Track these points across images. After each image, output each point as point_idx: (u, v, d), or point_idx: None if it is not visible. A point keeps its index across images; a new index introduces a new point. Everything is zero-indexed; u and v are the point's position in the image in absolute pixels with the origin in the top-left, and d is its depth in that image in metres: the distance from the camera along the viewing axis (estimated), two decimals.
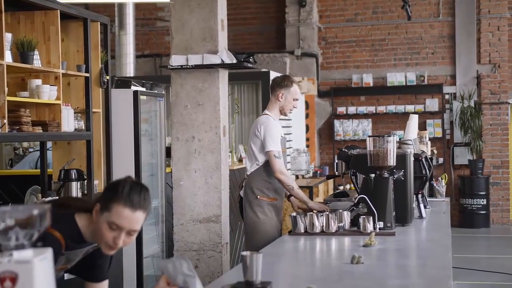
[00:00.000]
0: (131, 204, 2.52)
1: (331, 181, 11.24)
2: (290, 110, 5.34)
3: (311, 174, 10.53)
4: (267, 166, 5.14)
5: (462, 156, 12.41)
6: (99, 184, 5.84)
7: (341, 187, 11.92)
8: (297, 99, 5.33)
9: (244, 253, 2.72)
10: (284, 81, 5.29)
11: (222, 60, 5.92)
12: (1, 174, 6.79)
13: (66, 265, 2.72)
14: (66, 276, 4.59)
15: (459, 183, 12.32)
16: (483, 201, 12.09)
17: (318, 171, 10.84)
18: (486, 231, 11.96)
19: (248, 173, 5.27)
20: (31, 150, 9.10)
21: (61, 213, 2.63)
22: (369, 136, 4.44)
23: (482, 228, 12.03)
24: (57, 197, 4.98)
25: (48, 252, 1.82)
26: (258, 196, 5.17)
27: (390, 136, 4.41)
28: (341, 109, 12.78)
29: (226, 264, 5.65)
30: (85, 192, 5.62)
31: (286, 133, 10.29)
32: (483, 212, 12.13)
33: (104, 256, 2.79)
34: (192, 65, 5.89)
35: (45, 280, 1.79)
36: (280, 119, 5.42)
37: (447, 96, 12.58)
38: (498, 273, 8.40)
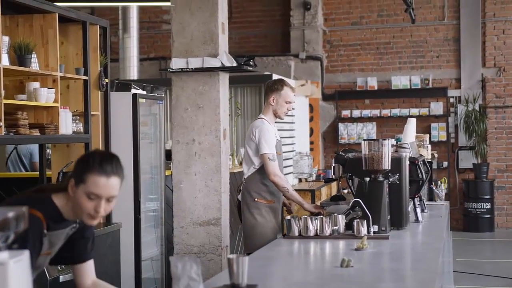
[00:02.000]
0: (105, 172, 2.61)
1: (334, 184, 11.23)
2: (284, 113, 5.37)
3: (314, 178, 10.53)
4: (264, 169, 5.17)
5: (467, 160, 12.38)
6: None
7: (346, 191, 11.91)
8: (289, 102, 5.35)
9: (230, 256, 2.75)
10: (275, 85, 5.36)
11: (222, 63, 5.94)
12: (1, 177, 6.82)
13: (50, 250, 2.75)
14: (62, 278, 4.63)
15: (464, 187, 12.29)
16: (487, 205, 12.05)
17: (322, 175, 10.83)
18: (490, 235, 11.91)
19: (245, 177, 5.33)
20: None
21: (39, 196, 2.73)
22: (364, 140, 4.45)
23: (486, 232, 11.99)
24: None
25: (24, 255, 1.83)
26: (256, 199, 5.23)
27: (385, 140, 4.40)
28: (345, 113, 12.77)
29: (226, 267, 5.66)
30: None
31: (290, 136, 10.34)
32: (488, 216, 12.09)
33: (85, 236, 2.88)
34: (192, 68, 5.92)
35: (20, 282, 1.80)
36: (283, 122, 5.49)
37: (451, 100, 12.55)
38: (502, 278, 8.36)
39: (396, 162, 4.51)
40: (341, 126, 12.75)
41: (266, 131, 5.18)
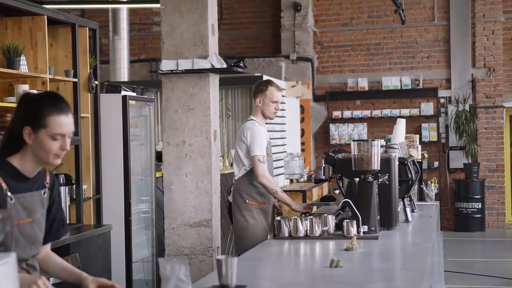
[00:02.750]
0: (62, 111, 2.65)
1: (325, 185, 11.25)
2: (273, 113, 5.40)
3: (305, 178, 10.54)
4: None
5: (457, 160, 12.42)
6: (87, 189, 5.85)
7: (337, 191, 11.93)
8: (276, 101, 5.38)
9: (219, 257, 2.75)
10: (260, 86, 5.43)
11: (212, 65, 5.95)
12: None
13: (31, 216, 2.70)
14: (52, 279, 4.61)
15: (454, 186, 12.33)
16: (478, 205, 12.09)
17: (313, 175, 10.84)
18: (481, 235, 11.96)
19: (236, 178, 5.35)
20: None
21: None
22: (354, 140, 4.46)
23: (477, 232, 12.03)
24: None
25: (11, 257, 1.83)
26: (247, 201, 5.26)
27: (374, 140, 4.42)
28: (336, 113, 12.79)
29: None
30: (74, 197, 5.63)
31: (281, 137, 10.36)
32: (478, 215, 12.13)
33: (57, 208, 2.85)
34: (182, 70, 5.92)
35: (8, 284, 1.80)
36: (275, 123, 5.52)
37: (442, 100, 12.59)
38: (493, 277, 8.39)
39: (386, 162, 4.53)
40: (332, 127, 12.77)
41: (257, 133, 5.21)
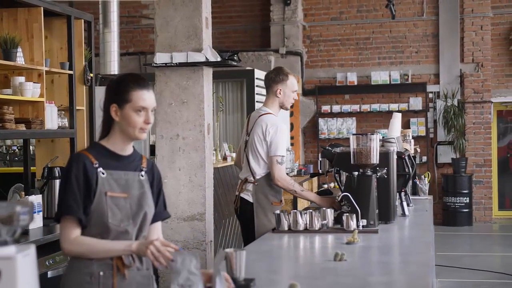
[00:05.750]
0: (144, 87, 2.87)
1: (315, 179, 11.29)
2: (290, 103, 5.10)
3: (295, 173, 10.55)
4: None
5: (446, 155, 12.49)
6: None
7: (325, 186, 11.96)
8: (295, 91, 5.09)
9: (228, 250, 2.73)
10: (279, 75, 5.03)
11: (206, 58, 5.93)
12: None
13: (126, 193, 2.87)
14: (50, 273, 4.59)
15: (443, 181, 12.39)
16: (466, 199, 12.17)
17: (303, 170, 10.86)
18: (469, 229, 12.04)
19: (257, 177, 4.98)
20: (14, 148, 9.06)
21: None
22: (353, 134, 4.46)
23: (465, 226, 12.12)
24: None
25: (31, 249, 1.82)
26: (273, 203, 4.98)
27: (373, 134, 4.43)
28: (325, 108, 12.81)
29: (210, 262, 5.65)
30: None
31: None
32: (466, 210, 12.21)
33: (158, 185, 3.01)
34: (176, 63, 5.89)
35: (28, 276, 1.79)
36: None
37: (430, 95, 12.65)
38: (481, 271, 8.46)
39: (384, 156, 4.54)
40: (321, 121, 12.79)
41: (280, 131, 4.89)
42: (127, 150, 2.93)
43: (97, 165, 2.82)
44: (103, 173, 2.82)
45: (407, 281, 2.92)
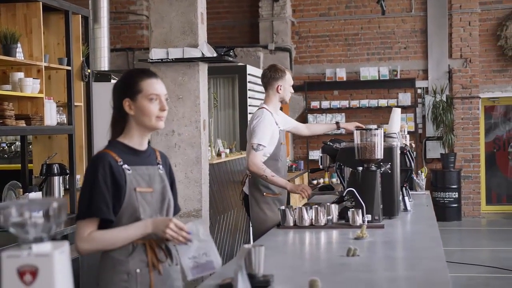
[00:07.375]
0: (151, 75, 2.88)
1: (305, 175, 11.28)
2: (289, 97, 5.38)
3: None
4: (270, 161, 5.09)
5: (434, 150, 12.55)
6: (81, 179, 5.77)
7: (315, 181, 11.97)
8: (292, 84, 5.38)
9: (246, 246, 2.71)
10: (278, 73, 5.25)
11: (202, 53, 5.90)
12: None
13: (151, 187, 2.85)
14: None
15: (432, 176, 12.45)
16: (455, 195, 12.24)
17: (294, 166, 10.86)
18: (457, 224, 12.11)
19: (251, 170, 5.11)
20: (3, 145, 8.96)
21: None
22: (357, 129, 4.46)
23: (454, 221, 12.19)
24: None
25: (66, 246, 1.80)
26: (264, 193, 5.12)
27: (377, 129, 4.42)
28: (314, 104, 12.82)
29: None
30: (67, 187, 5.55)
31: None
32: (455, 205, 12.28)
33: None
34: (172, 59, 5.86)
35: (64, 272, 1.77)
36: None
37: (419, 91, 12.69)
38: (470, 265, 8.52)
39: (388, 151, 4.54)
40: (310, 117, 12.80)
41: (262, 121, 5.07)
42: (144, 145, 2.92)
43: (121, 163, 2.80)
44: (128, 170, 2.81)
45: (426, 276, 2.91)
